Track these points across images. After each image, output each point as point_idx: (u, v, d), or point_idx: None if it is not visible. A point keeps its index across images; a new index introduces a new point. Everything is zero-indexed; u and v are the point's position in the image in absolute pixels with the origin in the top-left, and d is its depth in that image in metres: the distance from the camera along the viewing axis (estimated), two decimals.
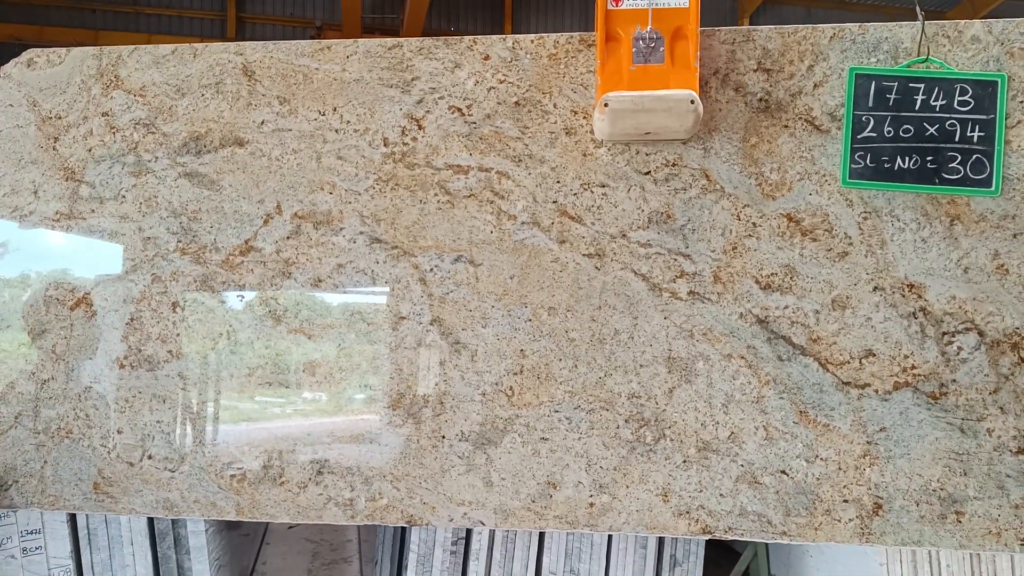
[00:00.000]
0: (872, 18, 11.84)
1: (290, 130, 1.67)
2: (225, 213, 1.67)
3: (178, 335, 1.66)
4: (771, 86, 1.57)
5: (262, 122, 1.68)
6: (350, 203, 1.65)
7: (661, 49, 1.47)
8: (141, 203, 1.69)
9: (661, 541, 3.50)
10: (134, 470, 1.67)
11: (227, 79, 1.69)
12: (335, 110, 1.66)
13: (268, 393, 1.65)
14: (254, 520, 1.66)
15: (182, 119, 1.70)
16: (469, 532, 3.46)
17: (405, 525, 1.60)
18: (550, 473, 1.57)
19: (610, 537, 3.17)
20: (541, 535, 3.18)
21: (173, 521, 2.42)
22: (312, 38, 11.22)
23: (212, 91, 1.70)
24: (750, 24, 11.85)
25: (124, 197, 1.70)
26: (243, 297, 1.66)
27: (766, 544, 2.62)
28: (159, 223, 1.69)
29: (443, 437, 1.60)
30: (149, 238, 1.68)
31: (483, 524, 1.57)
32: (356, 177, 1.65)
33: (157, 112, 1.70)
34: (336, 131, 1.66)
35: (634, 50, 1.48)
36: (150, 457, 1.66)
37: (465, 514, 1.59)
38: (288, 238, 1.65)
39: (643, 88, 1.45)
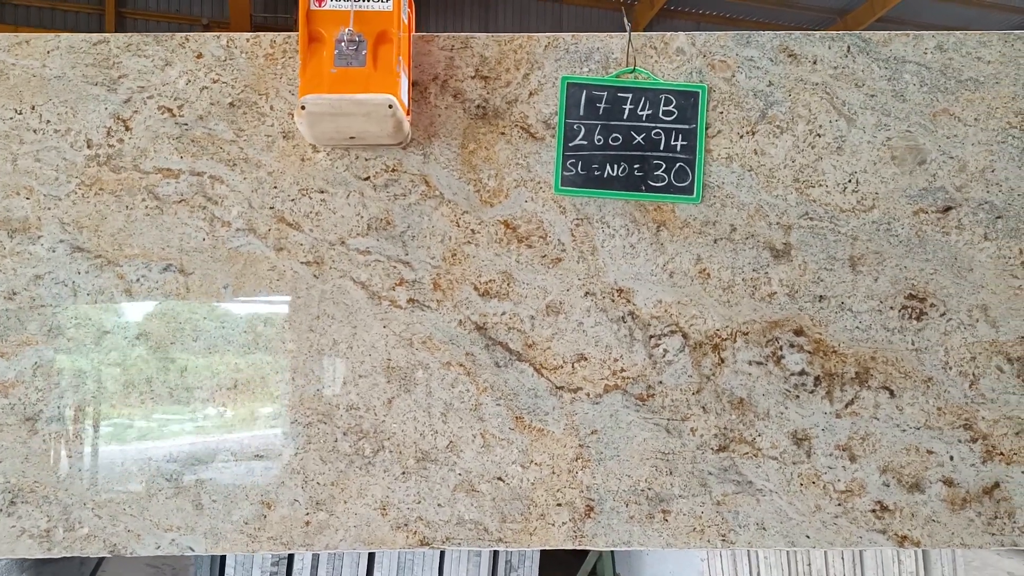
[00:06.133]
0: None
1: None
2: None
3: None
4: (489, 93, 1.57)
5: None
6: (49, 209, 1.53)
7: (363, 52, 1.44)
8: None
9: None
10: None
11: None
12: (33, 109, 1.54)
13: None
14: None
15: None
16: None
17: (107, 555, 1.49)
18: (264, 492, 1.50)
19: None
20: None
21: None
22: None
23: None
24: None
25: None
26: None
27: None
28: None
29: (150, 459, 1.50)
30: None
31: (192, 550, 1.48)
32: (56, 181, 1.53)
33: None
34: (34, 131, 1.54)
35: (336, 52, 1.44)
36: None
37: (173, 540, 1.49)
38: None
39: (342, 91, 1.41)
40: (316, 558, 3.18)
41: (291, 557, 3.15)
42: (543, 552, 3.70)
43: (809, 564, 3.76)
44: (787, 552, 3.58)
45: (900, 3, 11.52)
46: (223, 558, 3.18)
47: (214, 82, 1.56)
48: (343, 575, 3.20)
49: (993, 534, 1.52)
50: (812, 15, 12.60)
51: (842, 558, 3.62)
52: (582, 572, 4.38)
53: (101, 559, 4.59)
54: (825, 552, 3.62)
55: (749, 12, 12.51)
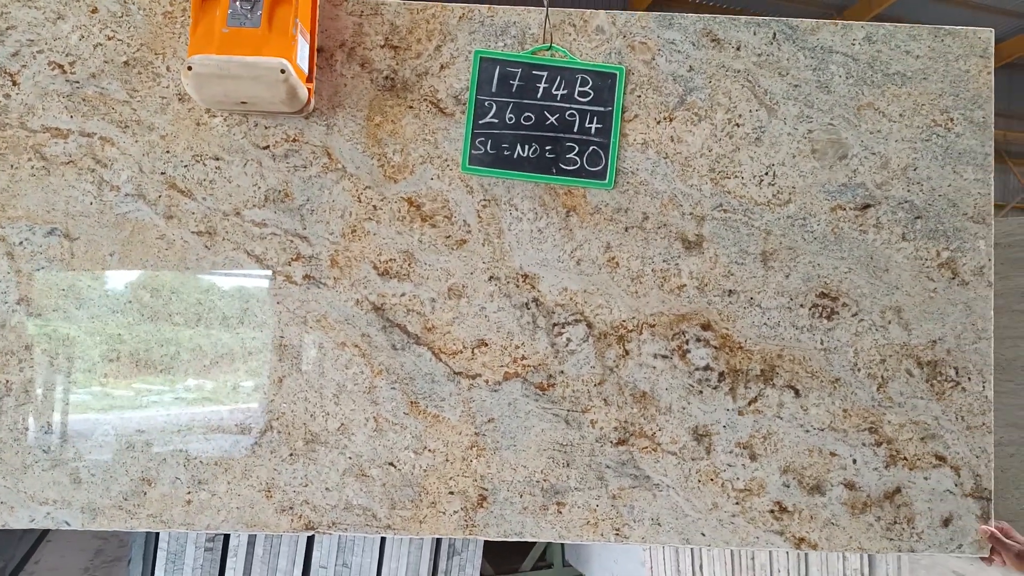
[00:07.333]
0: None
1: None
2: None
3: None
4: (398, 64, 1.51)
5: None
6: None
7: (259, 12, 1.37)
8: None
9: None
10: None
11: None
12: None
13: None
14: None
15: None
16: None
17: None
18: (145, 468, 1.45)
19: None
20: None
21: None
22: None
23: None
24: None
25: None
26: None
27: None
28: None
29: (27, 429, 1.45)
30: None
31: (68, 524, 1.43)
32: None
33: None
34: None
35: (230, 11, 1.36)
36: None
37: (48, 514, 1.44)
38: None
39: (233, 53, 1.34)
40: (253, 534, 3.14)
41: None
42: None
43: (753, 558, 3.76)
44: None
45: (897, 2, 11.42)
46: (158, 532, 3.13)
47: (109, 39, 1.48)
48: (281, 551, 3.18)
49: (891, 539, 1.50)
50: (812, 9, 12.48)
51: (787, 553, 3.62)
52: (531, 557, 4.37)
53: (45, 531, 4.54)
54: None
55: (750, 3, 12.37)
